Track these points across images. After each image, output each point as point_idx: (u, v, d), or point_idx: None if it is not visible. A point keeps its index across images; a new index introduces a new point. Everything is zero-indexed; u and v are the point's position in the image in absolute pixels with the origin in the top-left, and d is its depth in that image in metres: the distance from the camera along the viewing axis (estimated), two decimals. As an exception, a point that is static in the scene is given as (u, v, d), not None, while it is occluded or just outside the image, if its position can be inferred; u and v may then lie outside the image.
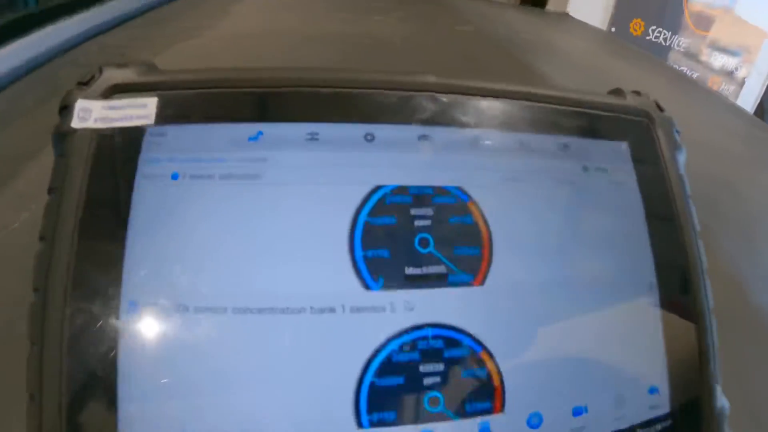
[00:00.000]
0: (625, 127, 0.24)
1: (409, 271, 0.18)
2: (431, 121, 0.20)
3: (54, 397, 0.16)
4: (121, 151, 0.19)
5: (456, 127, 0.20)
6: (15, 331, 0.23)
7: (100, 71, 0.20)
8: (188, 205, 0.18)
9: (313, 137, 0.19)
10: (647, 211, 0.23)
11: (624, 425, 0.20)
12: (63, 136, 0.19)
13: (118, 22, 0.59)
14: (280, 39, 0.56)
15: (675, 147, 0.25)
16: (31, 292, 0.18)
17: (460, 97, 0.20)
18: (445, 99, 0.20)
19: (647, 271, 0.22)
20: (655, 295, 0.22)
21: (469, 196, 0.19)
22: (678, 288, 0.22)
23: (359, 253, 0.18)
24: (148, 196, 0.18)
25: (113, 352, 0.17)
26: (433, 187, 0.19)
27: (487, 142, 0.20)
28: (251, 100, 0.19)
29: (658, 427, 0.21)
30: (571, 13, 0.89)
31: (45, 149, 0.34)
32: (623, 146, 0.24)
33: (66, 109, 0.19)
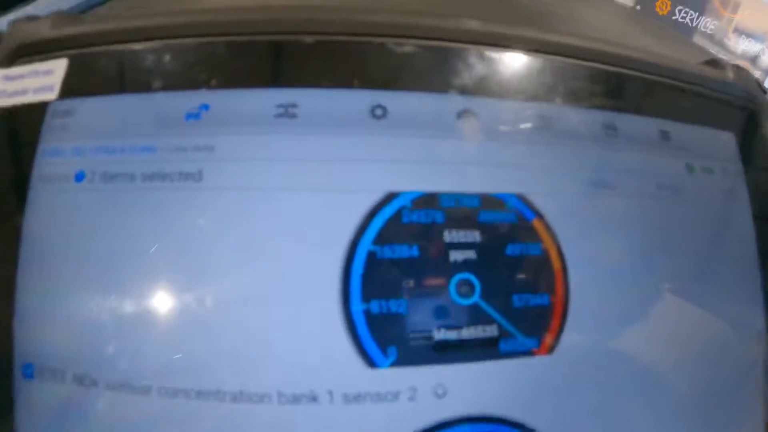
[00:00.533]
0: (729, 111, 0.17)
1: (441, 334, 0.11)
2: (475, 90, 0.12)
3: None
4: (15, 141, 0.14)
5: (514, 100, 0.13)
6: None
7: (8, 28, 0.15)
8: (98, 224, 0.12)
9: (286, 111, 0.11)
10: (759, 232, 0.16)
11: None
12: None
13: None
14: None
15: None
16: None
17: (519, 55, 0.13)
18: (495, 56, 0.12)
19: (757, 315, 0.15)
20: (762, 347, 0.15)
21: (535, 211, 0.12)
22: None
23: (357, 306, 0.11)
24: (46, 207, 0.12)
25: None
26: (479, 196, 0.12)
27: (562, 125, 0.13)
28: (192, 56, 0.12)
29: None
30: (597, -10, 0.81)
31: None
32: (729, 138, 0.17)
33: None
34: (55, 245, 0.12)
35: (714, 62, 0.19)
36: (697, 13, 0.88)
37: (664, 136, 0.15)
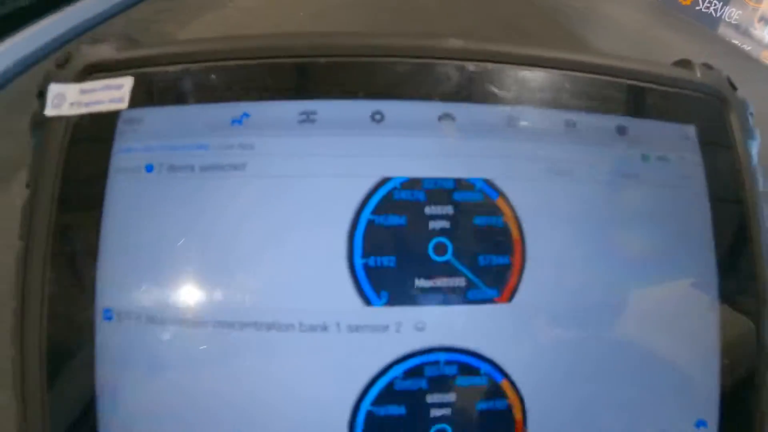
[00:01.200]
0: (693, 107, 0.20)
1: (421, 283, 0.15)
2: (455, 97, 0.16)
3: (36, 411, 0.16)
4: (93, 141, 0.17)
5: (486, 104, 0.16)
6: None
7: (78, 50, 0.18)
8: (164, 203, 0.16)
9: (308, 117, 0.16)
10: (715, 215, 0.19)
11: None
12: (38, 125, 0.17)
13: (146, -5, 0.58)
14: (308, 5, 0.54)
15: (749, 134, 0.21)
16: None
17: (491, 66, 0.16)
18: (472, 68, 0.16)
19: (710, 288, 0.18)
20: (715, 317, 0.18)
21: (499, 192, 0.16)
22: (743, 309, 0.18)
23: (359, 260, 0.15)
24: (122, 192, 0.16)
25: (91, 363, 0.15)
26: (454, 180, 0.15)
27: (525, 123, 0.16)
28: (236, 75, 0.16)
29: None
30: (618, -19, 0.82)
31: None
32: (690, 130, 0.19)
33: (42, 95, 0.18)
34: (130, 220, 0.16)
35: (684, 62, 0.22)
36: (721, 3, 0.86)
37: (621, 130, 0.18)
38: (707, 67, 0.22)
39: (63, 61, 0.18)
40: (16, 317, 0.16)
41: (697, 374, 0.18)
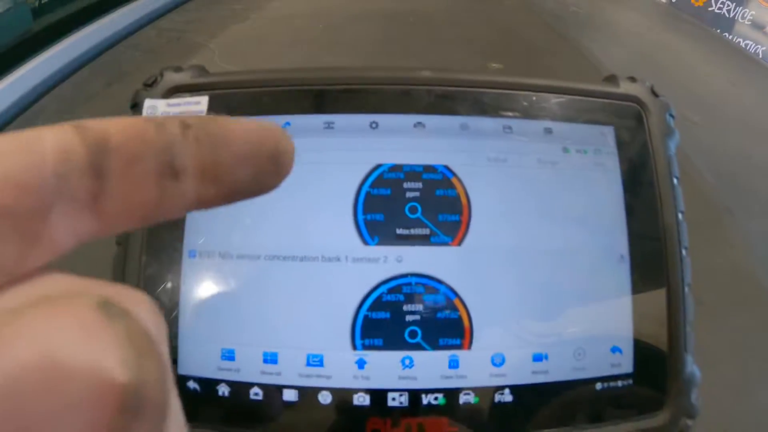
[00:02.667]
0: (612, 112, 0.28)
1: (400, 231, 0.24)
2: (425, 110, 0.25)
3: None
4: None
5: (446, 115, 0.25)
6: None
7: (161, 75, 0.27)
8: None
9: (329, 126, 0.25)
10: (626, 190, 0.26)
11: (584, 376, 0.24)
12: None
13: (173, 6, 0.67)
14: (327, 19, 0.62)
15: (666, 131, 0.28)
16: (112, 246, 0.25)
17: (450, 89, 0.25)
18: (437, 91, 0.25)
19: (620, 244, 0.26)
20: (625, 266, 0.25)
21: (453, 173, 0.25)
22: (651, 262, 0.25)
23: (361, 216, 0.24)
24: None
25: (178, 286, 0.24)
26: (423, 165, 0.24)
27: (474, 128, 0.25)
28: (281, 97, 0.26)
29: (620, 383, 0.25)
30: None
31: None
32: (608, 130, 0.27)
33: (136, 106, 0.26)
34: None
35: (611, 78, 0.30)
36: (735, 4, 0.90)
37: (548, 131, 0.27)
38: (631, 80, 0.30)
39: (150, 83, 0.27)
40: (117, 260, 0.24)
41: (612, 311, 0.26)
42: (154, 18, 0.61)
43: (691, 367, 0.26)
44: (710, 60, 0.63)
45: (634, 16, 0.73)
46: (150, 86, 0.27)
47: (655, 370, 0.25)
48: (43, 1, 0.56)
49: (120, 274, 0.24)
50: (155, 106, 0.27)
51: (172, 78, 0.27)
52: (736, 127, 0.51)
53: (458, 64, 0.46)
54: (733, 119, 0.52)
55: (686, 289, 0.27)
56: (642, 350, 0.25)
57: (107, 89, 0.47)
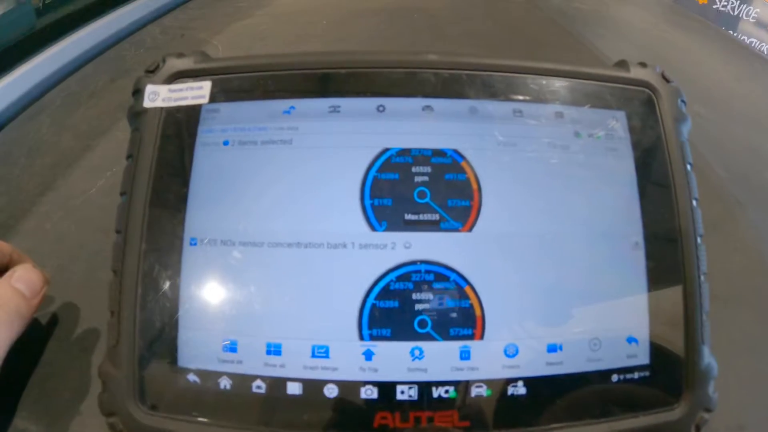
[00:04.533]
0: (624, 97, 0.27)
1: (408, 217, 0.23)
2: (433, 94, 0.24)
3: (130, 313, 0.22)
4: (183, 124, 0.25)
5: (455, 98, 0.24)
6: (94, 273, 0.30)
7: (164, 61, 0.26)
8: (236, 166, 0.24)
9: (335, 109, 0.24)
10: (640, 176, 0.25)
11: (599, 368, 0.23)
12: (137, 114, 0.25)
13: (177, 3, 0.66)
14: (330, 15, 0.61)
15: (679, 117, 0.27)
16: (113, 236, 0.24)
17: (458, 72, 0.24)
18: (445, 74, 0.24)
19: (634, 231, 0.25)
20: (640, 254, 0.24)
21: (463, 157, 0.23)
22: (666, 249, 0.25)
23: (368, 201, 0.23)
24: (205, 159, 0.24)
25: (178, 275, 0.23)
26: (432, 150, 0.23)
27: (483, 111, 0.24)
28: (284, 81, 0.25)
29: (636, 375, 0.24)
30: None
31: (115, 126, 0.41)
32: (620, 115, 0.26)
33: (138, 93, 0.25)
34: (210, 176, 0.23)
35: (621, 63, 0.29)
36: (739, 2, 0.89)
37: (558, 115, 0.25)
38: (642, 65, 0.28)
39: (152, 69, 0.26)
40: (117, 248, 0.23)
41: (628, 300, 0.25)
42: (158, 15, 0.61)
43: (708, 358, 0.25)
44: (716, 56, 0.62)
45: (639, 13, 0.72)
46: (152, 72, 0.26)
47: (671, 361, 0.24)
48: (46, 2, 0.55)
49: (119, 262, 0.23)
50: (156, 92, 0.26)
51: (174, 64, 0.26)
52: (743, 121, 0.49)
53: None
54: (740, 114, 0.51)
55: (702, 277, 0.25)
56: (658, 341, 0.24)
57: (111, 84, 0.46)
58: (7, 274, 0.24)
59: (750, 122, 0.48)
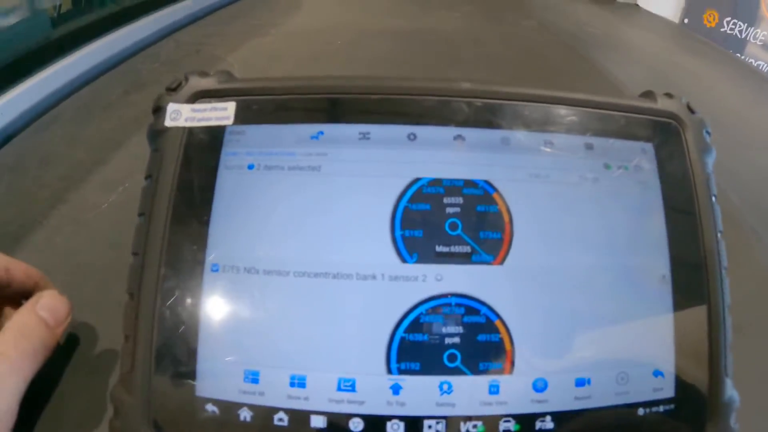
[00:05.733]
0: (652, 128, 0.26)
1: (439, 249, 0.22)
2: (465, 123, 0.24)
3: (146, 338, 0.21)
4: (206, 145, 0.24)
5: (487, 128, 0.24)
6: (104, 291, 0.29)
7: (186, 79, 0.25)
8: (261, 191, 0.23)
9: (364, 136, 0.23)
10: (667, 208, 0.25)
11: (626, 401, 0.23)
12: (157, 132, 0.24)
13: (193, 19, 0.66)
14: (345, 35, 0.61)
15: (704, 148, 0.27)
16: (129, 256, 0.23)
17: (491, 102, 0.24)
18: (478, 103, 0.24)
19: (661, 264, 0.24)
20: (667, 287, 0.24)
21: (495, 189, 0.23)
22: (692, 282, 0.24)
23: (398, 232, 0.22)
24: (229, 182, 0.23)
25: (198, 302, 0.22)
26: (463, 180, 0.23)
27: (515, 142, 0.24)
28: (313, 105, 0.24)
29: (661, 408, 0.23)
30: (641, 5, 0.87)
31: (128, 140, 0.40)
32: (648, 147, 0.26)
33: (159, 111, 0.24)
34: (234, 202, 0.23)
35: (648, 93, 0.28)
36: (746, 24, 0.90)
37: (588, 146, 0.25)
38: (668, 96, 0.28)
39: (174, 87, 0.25)
40: (134, 271, 0.22)
41: (655, 334, 0.24)
42: (173, 30, 0.60)
43: (731, 390, 0.24)
44: (726, 80, 0.62)
45: (649, 36, 0.73)
46: (174, 90, 0.25)
47: (695, 394, 0.24)
48: (61, 12, 0.55)
49: (136, 286, 0.22)
50: (179, 111, 0.25)
51: (198, 83, 0.25)
52: (755, 146, 0.49)
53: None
54: (752, 139, 0.50)
55: (726, 310, 0.25)
56: (683, 374, 0.24)
57: (125, 98, 0.45)
58: (32, 300, 0.23)
59: (762, 148, 0.48)
